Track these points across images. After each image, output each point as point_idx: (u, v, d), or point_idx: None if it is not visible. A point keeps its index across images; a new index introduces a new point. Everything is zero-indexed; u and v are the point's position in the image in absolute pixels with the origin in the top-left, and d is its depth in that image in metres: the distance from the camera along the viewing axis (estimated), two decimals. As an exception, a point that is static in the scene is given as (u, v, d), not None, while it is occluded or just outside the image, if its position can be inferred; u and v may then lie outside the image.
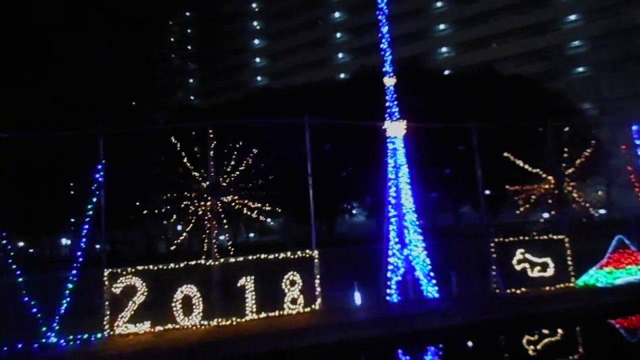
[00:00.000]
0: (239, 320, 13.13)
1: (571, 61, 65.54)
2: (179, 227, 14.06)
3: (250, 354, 11.43)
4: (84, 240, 12.59)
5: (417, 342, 12.30)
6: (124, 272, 12.80)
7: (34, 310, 11.99)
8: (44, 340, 11.87)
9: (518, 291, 15.14)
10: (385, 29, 15.34)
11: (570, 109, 30.72)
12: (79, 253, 12.50)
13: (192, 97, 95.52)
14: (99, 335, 12.37)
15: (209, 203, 13.40)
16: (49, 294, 12.22)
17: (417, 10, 74.58)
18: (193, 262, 13.24)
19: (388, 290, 14.38)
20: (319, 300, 13.78)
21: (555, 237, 16.01)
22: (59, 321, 12.08)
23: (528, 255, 15.51)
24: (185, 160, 13.37)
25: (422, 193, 16.19)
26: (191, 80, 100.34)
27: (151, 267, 12.97)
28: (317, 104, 23.82)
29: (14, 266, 11.94)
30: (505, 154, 15.85)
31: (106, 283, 12.68)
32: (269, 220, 14.17)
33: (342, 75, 72.66)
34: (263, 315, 13.37)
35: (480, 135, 15.76)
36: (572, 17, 66.90)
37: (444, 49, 74.89)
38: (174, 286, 12.98)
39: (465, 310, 13.41)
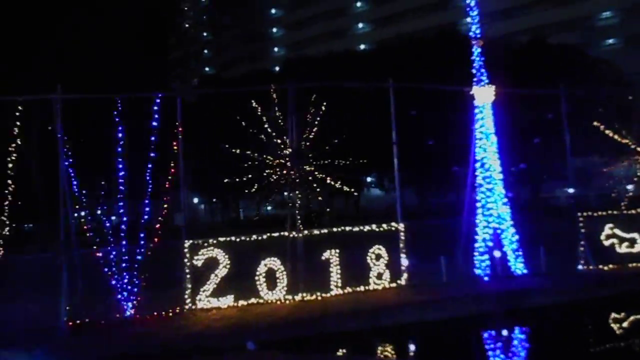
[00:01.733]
0: (324, 295, 12.48)
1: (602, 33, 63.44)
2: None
3: (341, 332, 10.76)
4: (164, 208, 11.87)
5: (517, 321, 11.60)
6: (205, 244, 12.09)
7: (114, 282, 11.35)
8: (127, 314, 11.28)
9: (606, 267, 14.40)
10: (471, -13, 14.20)
11: (624, 79, 29.45)
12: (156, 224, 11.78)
13: (206, 69, 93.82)
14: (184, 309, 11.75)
15: (292, 172, 12.58)
16: (130, 265, 11.54)
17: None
18: (276, 234, 12.51)
19: (476, 265, 13.65)
20: (405, 275, 13.07)
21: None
22: (139, 294, 11.46)
23: (617, 230, 14.70)
24: (266, 126, 12.49)
25: (510, 164, 15.24)
26: (205, 51, 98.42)
27: (233, 238, 12.24)
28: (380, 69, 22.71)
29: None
30: (595, 123, 14.86)
31: (187, 255, 11.98)
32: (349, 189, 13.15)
33: (362, 46, 71.01)
34: (348, 290, 12.70)
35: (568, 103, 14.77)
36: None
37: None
38: (256, 259, 12.29)
39: (561, 288, 12.68)
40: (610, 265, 14.42)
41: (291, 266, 12.35)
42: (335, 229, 12.83)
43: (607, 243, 14.62)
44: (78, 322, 10.80)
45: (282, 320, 10.89)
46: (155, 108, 11.83)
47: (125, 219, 11.31)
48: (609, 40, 63.82)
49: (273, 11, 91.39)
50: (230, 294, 12.08)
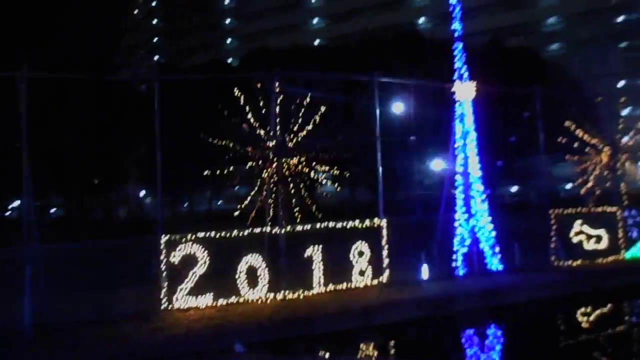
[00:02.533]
0: (306, 293, 12.10)
1: (547, 38, 66.31)
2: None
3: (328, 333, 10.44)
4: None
5: (494, 318, 11.69)
6: (184, 239, 11.38)
7: (83, 280, 10.50)
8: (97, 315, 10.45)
9: (574, 264, 14.86)
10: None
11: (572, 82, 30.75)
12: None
13: (157, 57, 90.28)
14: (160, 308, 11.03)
15: (274, 165, 12.08)
16: (98, 262, 10.72)
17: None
18: (258, 230, 11.98)
19: (454, 262, 13.69)
20: (386, 272, 12.89)
21: (608, 209, 15.76)
22: (111, 293, 10.68)
23: (585, 227, 15.20)
24: (250, 116, 11.90)
25: (489, 162, 15.39)
26: (155, 40, 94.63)
27: (213, 234, 11.61)
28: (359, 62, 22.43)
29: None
30: (567, 123, 15.27)
31: (163, 251, 11.24)
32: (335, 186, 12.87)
33: (316, 42, 70.84)
34: (331, 287, 12.38)
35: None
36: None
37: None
38: (237, 255, 11.72)
39: (536, 284, 12.93)
40: (579, 262, 14.90)
41: (273, 263, 11.88)
42: (318, 225, 12.44)
43: (575, 240, 15.08)
44: (43, 324, 9.86)
45: (268, 321, 10.41)
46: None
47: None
48: (553, 45, 66.80)
49: (227, 1, 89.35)
50: (209, 292, 11.45)
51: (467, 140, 13.98)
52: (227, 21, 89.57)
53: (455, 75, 14.00)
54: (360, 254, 12.69)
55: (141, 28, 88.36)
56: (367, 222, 12.91)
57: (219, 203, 59.87)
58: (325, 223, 12.48)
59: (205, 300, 11.41)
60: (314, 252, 12.26)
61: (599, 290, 12.91)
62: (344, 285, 12.48)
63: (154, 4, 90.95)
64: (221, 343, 9.50)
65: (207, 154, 12.02)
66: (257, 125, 11.97)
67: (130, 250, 11.02)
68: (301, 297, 11.98)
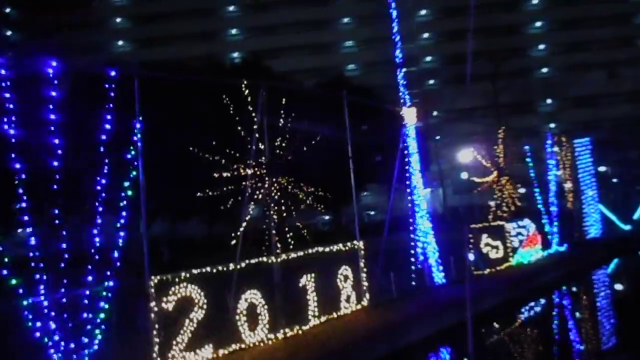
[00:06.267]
0: (303, 327, 10.80)
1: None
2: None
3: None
4: (120, 234, 8.37)
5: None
6: (177, 279, 9.00)
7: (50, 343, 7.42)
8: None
9: (486, 271, 16.77)
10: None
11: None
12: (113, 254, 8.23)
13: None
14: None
15: (266, 185, 10.62)
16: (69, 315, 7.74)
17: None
18: (254, 261, 10.26)
19: (414, 278, 14.03)
20: (367, 295, 12.43)
21: (500, 223, 18.30)
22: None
23: (489, 240, 17.31)
24: (239, 128, 10.27)
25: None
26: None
27: (208, 269, 9.48)
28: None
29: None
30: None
31: (153, 296, 8.68)
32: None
33: (235, 54, 63.53)
34: (324, 318, 11.32)
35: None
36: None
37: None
38: (235, 292, 9.82)
39: (485, 293, 14.20)
40: (488, 270, 16.86)
41: (269, 297, 10.30)
42: (308, 251, 11.32)
43: (485, 250, 17.05)
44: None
45: None
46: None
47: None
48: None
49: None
50: (208, 342, 9.26)
51: (411, 161, 14.63)
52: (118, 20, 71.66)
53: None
54: (345, 278, 11.99)
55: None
56: (349, 245, 12.32)
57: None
58: (315, 249, 11.47)
59: (206, 353, 9.19)
60: (307, 281, 11.09)
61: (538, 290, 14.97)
62: (334, 314, 11.58)
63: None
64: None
65: (196, 172, 9.85)
66: (248, 139, 10.41)
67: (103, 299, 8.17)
68: (299, 332, 10.65)
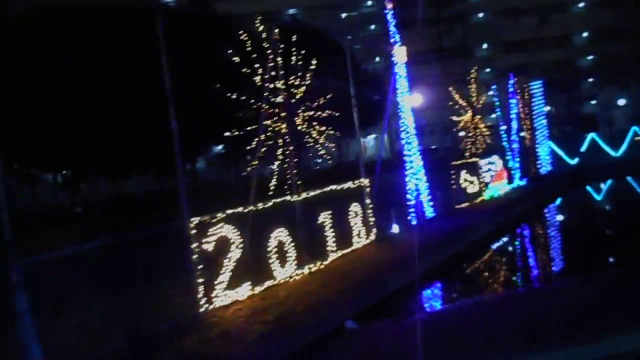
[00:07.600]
0: (324, 262, 11.14)
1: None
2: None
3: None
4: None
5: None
6: (214, 219, 8.93)
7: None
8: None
9: (465, 205, 17.80)
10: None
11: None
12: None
13: None
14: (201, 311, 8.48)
15: (284, 125, 10.56)
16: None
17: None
18: (279, 199, 10.32)
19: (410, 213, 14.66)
20: (374, 230, 12.91)
21: (474, 159, 19.28)
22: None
23: (467, 175, 18.25)
24: (258, 66, 10.01)
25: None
26: None
27: (241, 209, 9.45)
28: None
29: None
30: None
31: (193, 238, 8.59)
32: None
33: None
34: (340, 253, 11.71)
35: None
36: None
37: None
38: (264, 231, 9.90)
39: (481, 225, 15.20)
40: (467, 203, 17.89)
41: (293, 234, 10.48)
42: (322, 190, 11.52)
43: (464, 185, 18.00)
44: None
45: (317, 302, 9.11)
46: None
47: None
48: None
49: None
50: (245, 280, 9.38)
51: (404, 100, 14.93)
52: None
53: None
54: (356, 214, 12.37)
55: None
56: (354, 183, 12.63)
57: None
58: (329, 187, 11.69)
59: (244, 290, 9.33)
60: (325, 218, 11.36)
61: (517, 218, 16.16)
62: (349, 249, 12.00)
63: None
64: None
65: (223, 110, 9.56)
66: (266, 77, 10.19)
67: (140, 244, 8.01)
68: (322, 266, 11.00)
